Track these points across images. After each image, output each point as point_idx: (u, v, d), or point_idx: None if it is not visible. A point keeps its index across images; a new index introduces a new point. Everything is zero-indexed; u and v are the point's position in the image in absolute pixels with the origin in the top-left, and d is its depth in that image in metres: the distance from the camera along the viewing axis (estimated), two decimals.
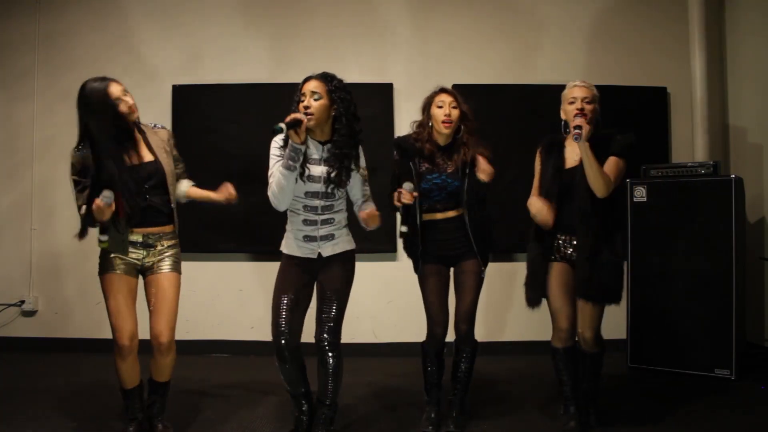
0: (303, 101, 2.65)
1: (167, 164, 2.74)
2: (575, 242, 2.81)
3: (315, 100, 2.64)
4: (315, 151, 2.72)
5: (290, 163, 2.59)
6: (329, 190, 2.72)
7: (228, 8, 4.72)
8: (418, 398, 3.26)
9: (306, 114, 2.61)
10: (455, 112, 2.89)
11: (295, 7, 4.72)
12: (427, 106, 2.97)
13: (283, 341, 2.69)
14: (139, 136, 2.72)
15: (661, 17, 4.72)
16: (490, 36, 4.71)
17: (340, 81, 2.72)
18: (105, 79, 2.63)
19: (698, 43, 4.55)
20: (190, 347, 4.52)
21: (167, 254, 2.74)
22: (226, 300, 4.66)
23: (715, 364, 3.77)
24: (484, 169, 2.79)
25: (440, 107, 2.89)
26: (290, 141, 2.60)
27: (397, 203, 2.77)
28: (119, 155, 2.61)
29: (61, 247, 4.60)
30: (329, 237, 2.76)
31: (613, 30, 4.72)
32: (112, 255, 2.65)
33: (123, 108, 2.63)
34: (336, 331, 2.73)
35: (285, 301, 2.72)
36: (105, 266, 2.67)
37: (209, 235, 4.57)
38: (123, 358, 2.65)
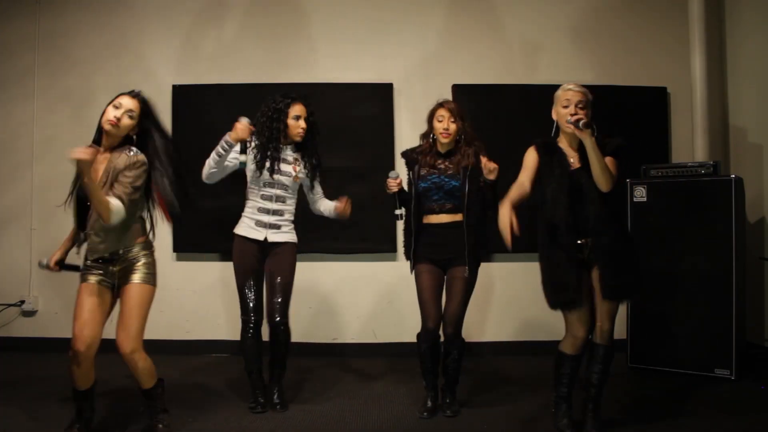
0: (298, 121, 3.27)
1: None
2: (591, 244, 2.76)
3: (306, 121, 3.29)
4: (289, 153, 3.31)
5: (220, 150, 3.17)
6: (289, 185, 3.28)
7: (228, 8, 4.72)
8: (417, 398, 3.27)
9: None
10: (453, 126, 3.13)
11: (295, 7, 4.72)
12: (429, 119, 3.21)
13: (252, 316, 3.24)
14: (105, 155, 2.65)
15: (661, 17, 4.72)
16: (490, 36, 4.71)
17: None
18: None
19: (698, 43, 4.55)
20: (190, 347, 4.53)
21: (138, 263, 2.70)
22: (226, 300, 4.65)
23: (715, 364, 3.77)
24: (489, 168, 3.00)
25: (440, 121, 3.15)
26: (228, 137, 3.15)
27: (387, 191, 3.15)
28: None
29: None
30: (276, 227, 3.25)
31: (613, 30, 4.72)
32: (89, 265, 2.69)
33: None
34: (286, 311, 3.25)
35: (250, 283, 3.25)
36: (82, 276, 2.70)
37: (209, 235, 4.56)
38: (77, 364, 2.61)
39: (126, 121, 2.64)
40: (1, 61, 4.74)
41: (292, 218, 3.33)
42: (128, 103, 2.65)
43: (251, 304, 3.25)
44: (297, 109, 3.26)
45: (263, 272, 3.29)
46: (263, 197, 3.25)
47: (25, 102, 4.71)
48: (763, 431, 2.97)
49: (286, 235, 3.29)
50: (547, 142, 2.89)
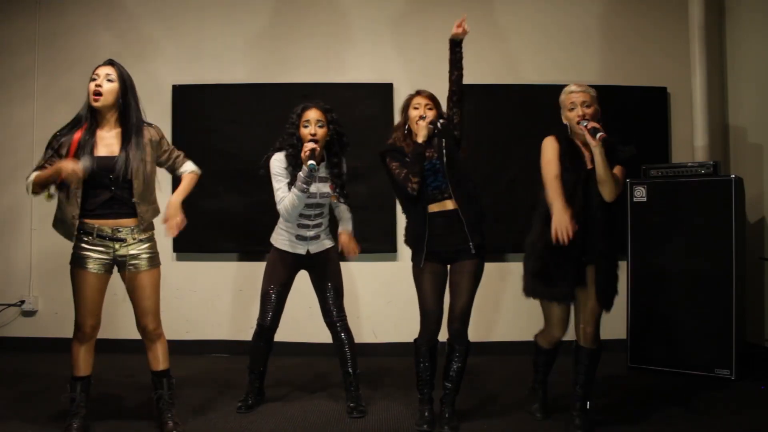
0: (308, 128, 3.07)
1: (139, 161, 2.73)
2: (589, 245, 2.77)
3: (320, 127, 3.08)
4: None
5: (304, 186, 2.98)
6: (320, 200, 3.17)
7: (228, 8, 4.72)
8: (417, 398, 3.26)
9: (314, 141, 3.03)
10: (430, 113, 3.01)
11: (295, 8, 4.73)
12: (404, 109, 3.12)
13: (267, 326, 3.22)
14: (104, 131, 2.75)
15: (661, 17, 4.73)
16: (490, 36, 4.72)
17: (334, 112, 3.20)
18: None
19: (698, 43, 4.54)
20: (190, 347, 4.53)
21: (142, 248, 2.78)
22: (226, 300, 4.66)
23: (715, 364, 3.77)
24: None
25: (416, 109, 3.04)
26: (305, 166, 2.94)
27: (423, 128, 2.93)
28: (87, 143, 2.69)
29: (61, 247, 4.51)
30: (317, 237, 3.22)
31: (613, 30, 4.72)
32: (84, 249, 2.72)
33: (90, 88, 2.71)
34: (341, 309, 3.25)
35: (274, 290, 3.20)
36: (77, 260, 2.74)
37: (209, 235, 4.57)
38: (80, 343, 2.78)
39: (107, 85, 2.72)
40: (1, 61, 4.74)
41: (328, 223, 3.29)
42: (102, 70, 2.75)
43: (269, 314, 3.21)
44: (307, 116, 3.10)
45: (291, 284, 3.27)
46: (302, 215, 3.14)
47: (25, 102, 4.71)
48: (763, 431, 2.97)
49: (326, 242, 3.26)
50: (567, 138, 2.87)
